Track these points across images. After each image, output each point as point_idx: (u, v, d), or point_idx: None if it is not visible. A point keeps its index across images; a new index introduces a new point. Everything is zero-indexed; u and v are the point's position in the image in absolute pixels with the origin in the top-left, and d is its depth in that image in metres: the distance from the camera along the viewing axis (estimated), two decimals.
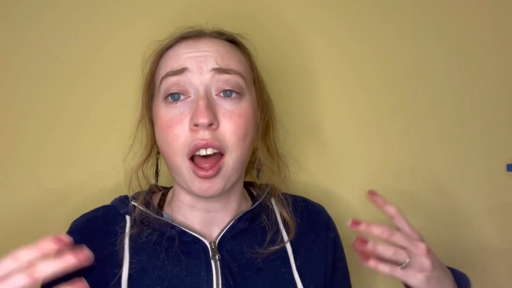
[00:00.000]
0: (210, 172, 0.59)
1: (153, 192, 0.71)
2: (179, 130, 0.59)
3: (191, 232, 0.63)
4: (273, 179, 0.70)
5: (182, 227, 0.63)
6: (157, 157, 0.68)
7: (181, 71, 0.60)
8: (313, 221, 0.70)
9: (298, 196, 0.73)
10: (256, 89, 0.66)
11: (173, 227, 0.63)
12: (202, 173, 0.59)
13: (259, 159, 0.69)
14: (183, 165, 0.60)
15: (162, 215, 0.65)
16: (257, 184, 0.73)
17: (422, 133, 0.86)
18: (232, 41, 0.66)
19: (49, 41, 0.80)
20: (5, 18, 0.79)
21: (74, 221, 0.65)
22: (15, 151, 0.78)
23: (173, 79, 0.60)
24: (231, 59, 0.62)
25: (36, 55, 0.79)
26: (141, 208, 0.64)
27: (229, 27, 0.67)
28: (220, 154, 0.60)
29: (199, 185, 0.59)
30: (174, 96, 0.60)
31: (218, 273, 0.60)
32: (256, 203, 0.68)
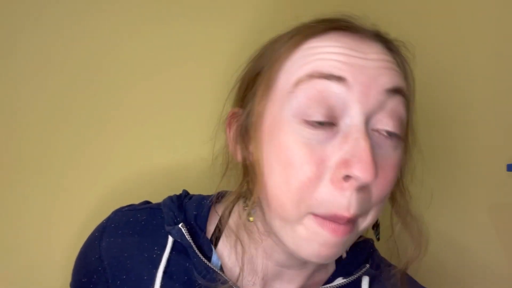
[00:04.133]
0: (343, 228, 0.40)
1: (219, 200, 0.53)
2: (315, 174, 0.39)
3: None
4: (408, 252, 0.48)
5: (232, 284, 0.46)
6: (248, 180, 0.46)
7: (337, 79, 0.39)
8: None
9: (408, 276, 0.53)
10: (408, 122, 0.46)
11: (219, 276, 0.47)
12: (333, 226, 0.40)
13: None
14: (300, 221, 0.41)
15: (212, 252, 0.49)
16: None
17: (422, 133, 0.86)
18: (395, 51, 0.46)
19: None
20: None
21: (115, 214, 0.53)
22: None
23: (320, 85, 0.39)
24: (401, 77, 0.43)
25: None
26: (187, 236, 0.48)
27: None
28: None
29: (318, 249, 0.41)
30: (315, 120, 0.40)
31: None
32: (337, 282, 0.47)
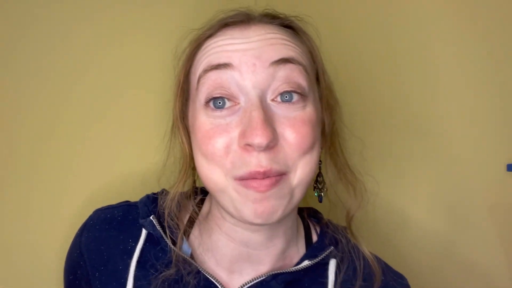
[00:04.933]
0: (267, 182, 0.45)
1: (189, 198, 0.59)
2: (223, 144, 0.47)
3: (208, 277, 0.51)
4: (348, 202, 0.55)
5: (200, 267, 0.51)
6: (193, 172, 0.56)
7: (224, 66, 0.46)
8: None
9: (374, 256, 0.57)
10: (320, 87, 0.53)
11: (190, 264, 0.51)
12: (255, 184, 0.45)
13: (321, 176, 0.55)
14: (229, 185, 0.47)
15: (183, 241, 0.54)
16: (324, 220, 0.57)
17: (422, 132, 0.86)
18: (289, 26, 0.52)
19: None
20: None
21: (94, 214, 0.58)
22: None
23: (213, 75, 0.47)
24: (291, 48, 0.48)
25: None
26: (157, 227, 0.53)
27: (283, 8, 0.54)
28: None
29: (253, 206, 0.46)
30: (217, 103, 0.47)
31: None
32: (306, 264, 0.51)
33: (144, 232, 0.54)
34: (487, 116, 0.86)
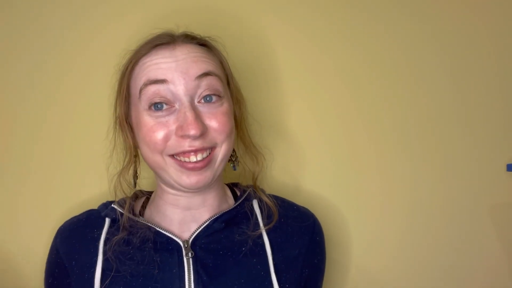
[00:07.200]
0: (200, 164, 0.60)
1: (139, 197, 0.73)
2: (163, 134, 0.60)
3: (164, 233, 0.64)
4: (253, 168, 0.73)
5: (157, 228, 0.65)
6: (135, 160, 0.69)
7: (161, 81, 0.60)
8: (297, 222, 0.70)
9: (284, 199, 0.74)
10: (230, 88, 0.68)
11: (148, 228, 0.64)
12: (190, 165, 0.60)
13: (234, 152, 0.71)
14: (167, 162, 0.62)
15: (139, 217, 0.67)
16: (241, 186, 0.74)
17: (421, 132, 0.86)
18: (204, 44, 0.66)
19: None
20: None
21: (63, 223, 0.69)
22: None
23: (153, 88, 0.60)
24: (208, 63, 0.63)
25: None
26: (118, 209, 0.66)
27: (198, 32, 0.68)
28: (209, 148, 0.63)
29: (187, 179, 0.61)
30: (157, 106, 0.61)
31: (190, 269, 0.61)
32: (236, 204, 0.69)
33: (107, 220, 0.67)
34: (487, 116, 0.86)
